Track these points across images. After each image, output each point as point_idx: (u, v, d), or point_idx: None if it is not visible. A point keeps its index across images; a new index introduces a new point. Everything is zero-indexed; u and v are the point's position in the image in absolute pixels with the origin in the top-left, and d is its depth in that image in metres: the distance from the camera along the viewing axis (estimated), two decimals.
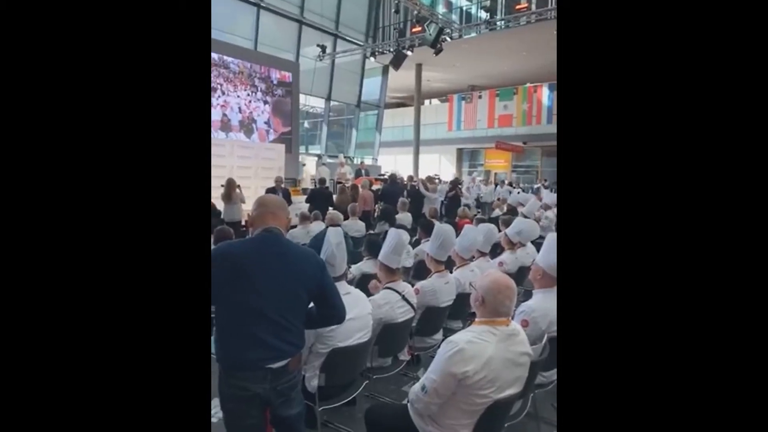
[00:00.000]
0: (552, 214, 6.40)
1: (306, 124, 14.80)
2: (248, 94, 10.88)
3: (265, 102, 11.27)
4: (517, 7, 12.94)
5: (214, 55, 10.00)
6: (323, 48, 13.06)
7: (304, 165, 9.93)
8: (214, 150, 9.21)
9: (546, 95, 16.56)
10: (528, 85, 17.04)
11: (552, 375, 2.28)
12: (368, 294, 2.37)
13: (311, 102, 14.25)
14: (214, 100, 10.02)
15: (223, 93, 10.32)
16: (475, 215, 6.34)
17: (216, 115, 10.13)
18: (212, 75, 9.98)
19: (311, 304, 1.62)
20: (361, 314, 2.08)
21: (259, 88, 11.09)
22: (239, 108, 10.69)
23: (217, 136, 9.99)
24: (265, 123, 11.29)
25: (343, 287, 2.04)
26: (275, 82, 11.46)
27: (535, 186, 14.15)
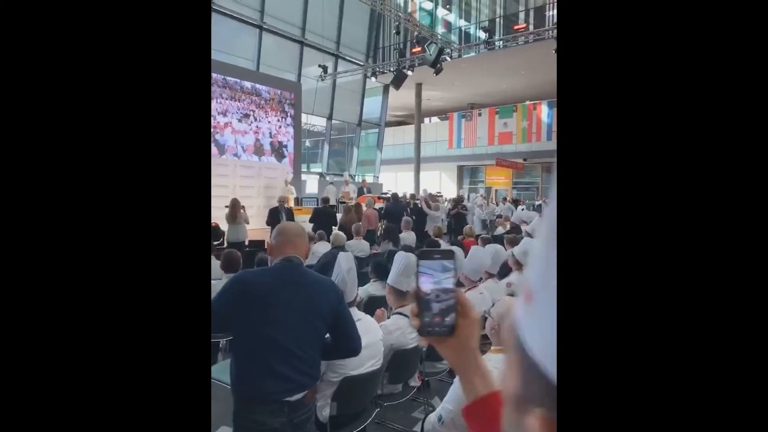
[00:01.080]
0: None
1: (307, 143, 14.91)
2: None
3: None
4: (516, 27, 13.19)
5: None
6: (325, 68, 13.24)
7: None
8: (217, 170, 9.23)
9: (545, 112, 16.72)
10: (527, 102, 17.23)
11: None
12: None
13: (312, 121, 14.39)
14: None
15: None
16: (480, 234, 6.32)
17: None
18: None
19: (327, 335, 1.60)
20: (372, 341, 2.05)
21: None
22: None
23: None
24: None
25: (354, 313, 2.02)
26: None
27: (536, 203, 14.17)
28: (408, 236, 6.17)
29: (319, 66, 13.18)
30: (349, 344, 1.63)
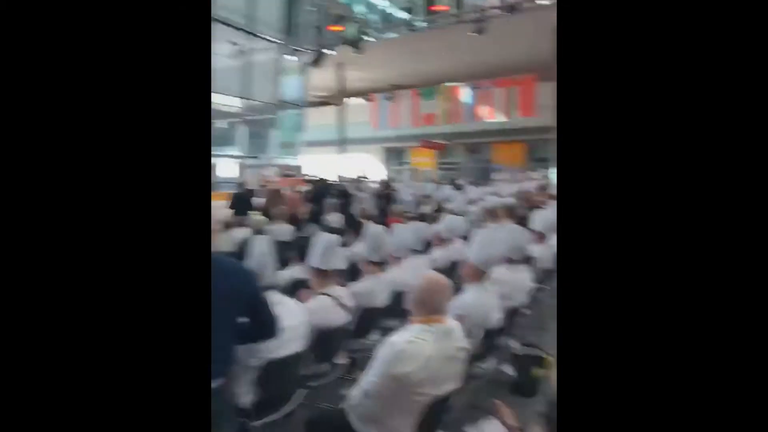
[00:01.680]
0: (477, 208, 6.67)
1: (224, 124, 14.02)
2: None
3: None
4: (431, 8, 13.38)
5: None
6: (235, 45, 12.40)
7: None
8: None
9: (467, 94, 17.26)
10: (449, 84, 17.65)
11: (489, 366, 2.38)
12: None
13: (226, 101, 13.46)
14: None
15: None
16: (406, 213, 6.42)
17: None
18: None
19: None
20: (294, 324, 1.99)
21: None
22: None
23: None
24: None
25: (274, 297, 1.94)
26: None
27: (459, 182, 14.67)
28: (333, 218, 6.10)
29: (230, 42, 12.32)
30: (266, 328, 1.57)
